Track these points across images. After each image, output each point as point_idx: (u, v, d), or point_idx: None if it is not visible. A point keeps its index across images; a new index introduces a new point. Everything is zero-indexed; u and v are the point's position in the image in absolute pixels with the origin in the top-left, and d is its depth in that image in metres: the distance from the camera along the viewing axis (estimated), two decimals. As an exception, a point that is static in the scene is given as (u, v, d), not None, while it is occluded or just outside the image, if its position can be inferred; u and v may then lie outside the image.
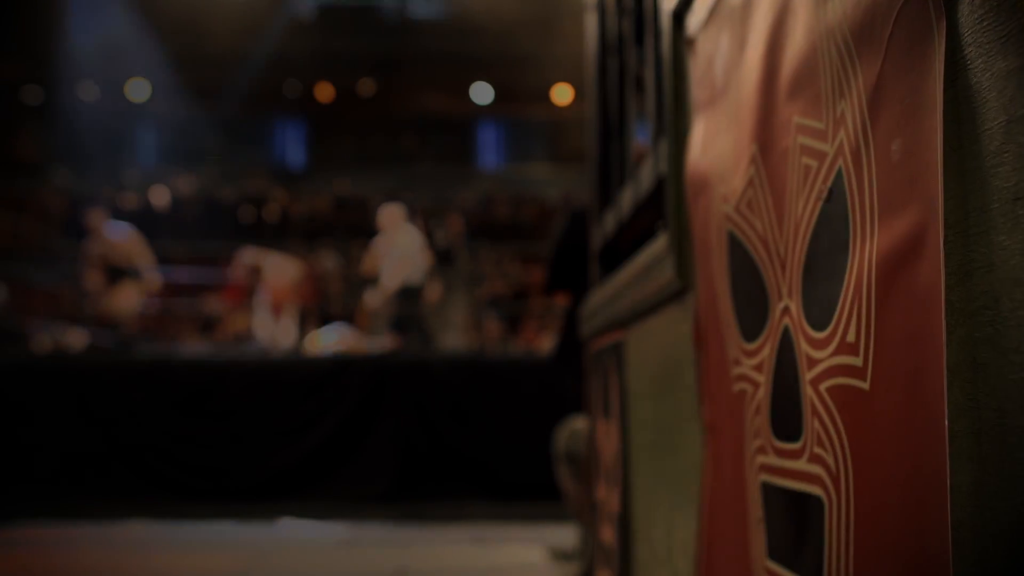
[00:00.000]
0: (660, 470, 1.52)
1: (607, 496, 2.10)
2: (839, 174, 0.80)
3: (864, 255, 0.74)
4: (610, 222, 2.16)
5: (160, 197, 17.09)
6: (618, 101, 2.09)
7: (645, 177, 1.69)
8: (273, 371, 6.23)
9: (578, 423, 3.32)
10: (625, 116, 2.05)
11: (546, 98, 19.16)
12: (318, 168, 19.22)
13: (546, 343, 9.15)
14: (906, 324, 0.68)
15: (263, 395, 6.03)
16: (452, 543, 4.81)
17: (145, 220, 16.08)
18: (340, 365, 6.15)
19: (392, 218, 8.50)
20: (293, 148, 20.46)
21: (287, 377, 6.11)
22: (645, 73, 1.70)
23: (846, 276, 0.78)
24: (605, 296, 2.08)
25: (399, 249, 8.32)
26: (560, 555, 4.31)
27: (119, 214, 15.96)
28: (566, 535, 4.41)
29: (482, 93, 19.49)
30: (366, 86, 19.43)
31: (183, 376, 6.14)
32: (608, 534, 2.09)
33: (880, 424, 0.72)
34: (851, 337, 0.77)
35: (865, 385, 0.74)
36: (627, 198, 1.90)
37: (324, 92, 19.57)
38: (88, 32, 15.71)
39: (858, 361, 0.75)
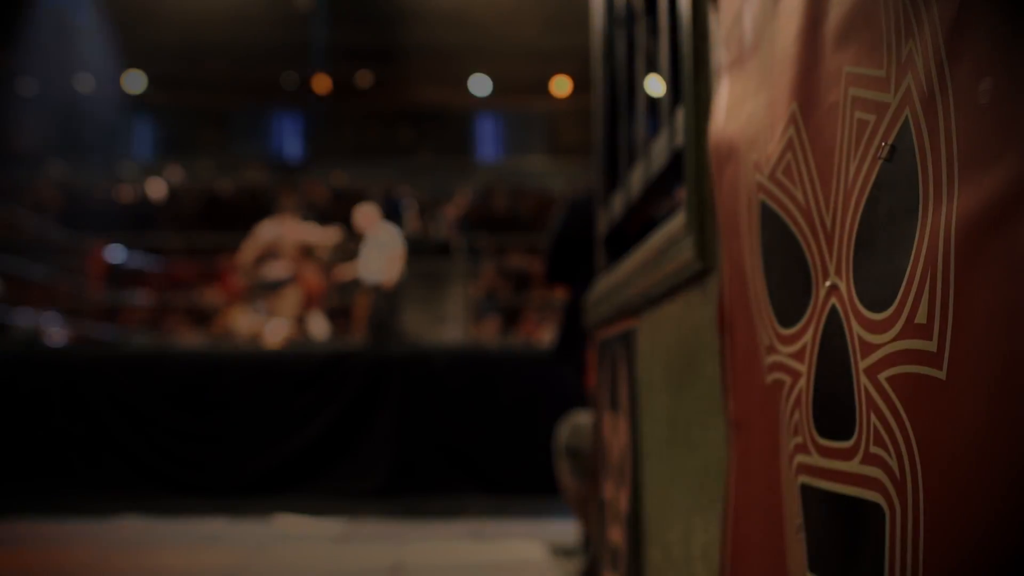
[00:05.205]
0: (676, 468, 1.41)
1: (615, 495, 1.99)
2: (905, 127, 0.68)
3: (939, 220, 0.63)
4: (618, 205, 2.05)
5: (156, 189, 16.98)
6: (627, 76, 1.98)
7: (658, 153, 1.58)
8: (268, 365, 6.12)
9: (581, 417, 3.21)
10: (634, 92, 1.93)
11: (545, 90, 19.05)
12: (315, 160, 19.11)
13: (546, 335, 9.06)
14: (999, 300, 0.56)
15: (259, 389, 5.93)
16: (450, 538, 4.71)
17: (141, 212, 15.99)
18: (336, 358, 6.04)
19: (368, 218, 8.37)
20: (290, 140, 20.35)
21: (283, 371, 6.01)
22: (659, 38, 1.59)
23: (914, 246, 0.66)
24: (613, 282, 1.96)
25: (382, 246, 8.18)
26: (560, 551, 4.21)
27: (116, 206, 15.86)
28: (566, 531, 4.31)
29: (480, 85, 19.38)
30: (364, 78, 19.31)
31: (178, 370, 6.04)
32: (616, 534, 1.98)
33: (961, 420, 0.60)
34: (921, 318, 0.65)
35: (940, 374, 0.63)
36: (637, 177, 1.78)
37: (322, 84, 19.45)
38: (84, 23, 15.58)
39: (931, 345, 0.64)
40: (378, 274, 8.01)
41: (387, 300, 7.96)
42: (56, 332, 8.58)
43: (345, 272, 8.94)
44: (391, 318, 7.96)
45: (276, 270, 8.04)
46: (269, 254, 8.05)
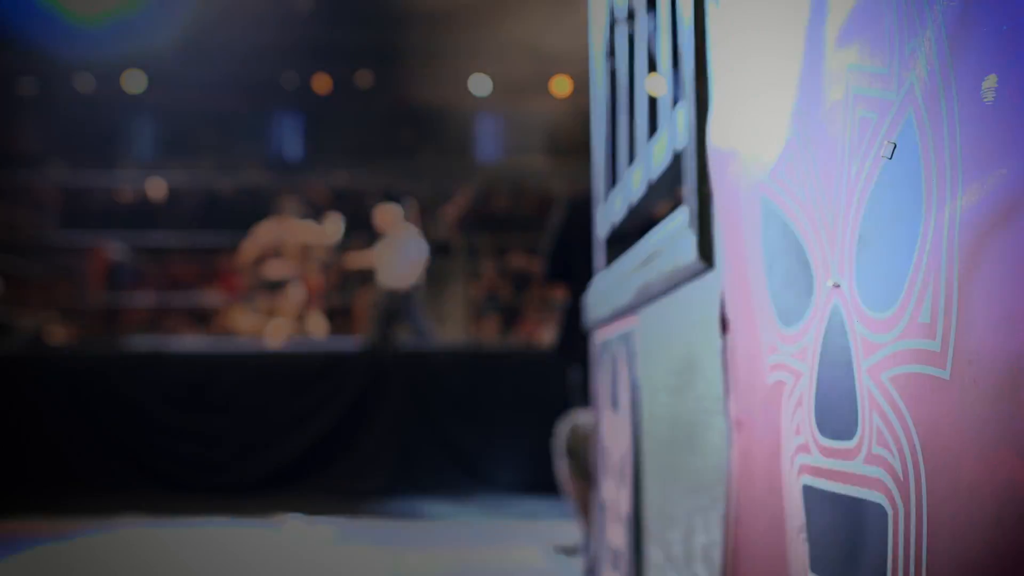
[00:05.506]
0: (677, 469, 1.40)
1: (615, 495, 1.98)
2: (908, 125, 0.68)
3: (943, 219, 0.62)
4: (618, 205, 2.04)
5: (157, 189, 16.98)
6: (627, 76, 1.98)
7: (658, 152, 1.57)
8: (269, 365, 6.12)
9: (581, 417, 3.21)
10: (634, 92, 1.93)
11: (545, 90, 19.02)
12: (315, 160, 19.09)
13: (546, 335, 9.05)
14: (1005, 299, 0.56)
15: (259, 389, 5.93)
16: (450, 538, 4.70)
17: (142, 212, 15.98)
18: (337, 358, 6.04)
19: (389, 218, 8.31)
20: (290, 140, 20.32)
21: (283, 371, 6.00)
22: (660, 37, 1.58)
23: (917, 245, 0.66)
24: (613, 281, 1.96)
25: (404, 249, 8.14)
26: (561, 552, 4.21)
27: (114, 207, 15.86)
28: (567, 531, 4.31)
29: (480, 85, 19.36)
30: (364, 78, 19.30)
31: (178, 370, 6.04)
32: (616, 535, 1.97)
33: (964, 419, 0.60)
34: (924, 317, 0.65)
35: (944, 373, 0.62)
36: (637, 177, 1.78)
37: (321, 84, 19.44)
38: (84, 23, 15.57)
39: (935, 345, 0.63)
40: (396, 276, 8.00)
41: (401, 301, 7.94)
42: (56, 332, 8.57)
43: (356, 260, 8.93)
44: (407, 319, 7.95)
45: (277, 270, 8.03)
46: (271, 254, 8.04)
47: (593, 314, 2.36)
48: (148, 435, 5.86)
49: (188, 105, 18.67)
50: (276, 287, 8.02)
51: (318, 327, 8.44)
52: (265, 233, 8.13)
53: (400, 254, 8.05)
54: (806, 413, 0.86)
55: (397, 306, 7.89)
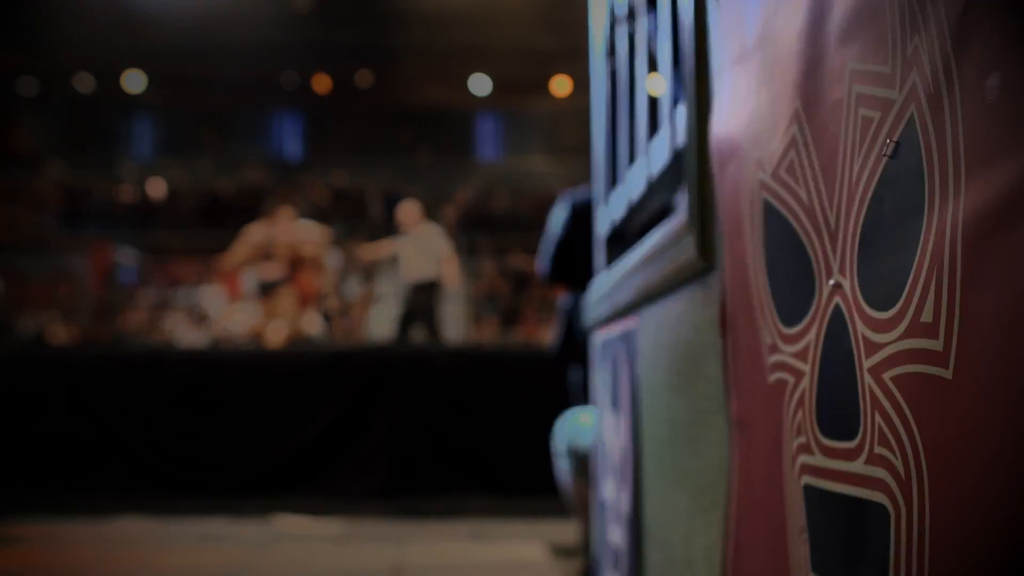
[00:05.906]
0: (678, 469, 1.40)
1: (615, 495, 1.98)
2: (910, 124, 0.67)
3: (945, 218, 0.62)
4: (618, 205, 2.04)
5: (156, 189, 17.00)
6: (627, 75, 1.97)
7: (659, 152, 1.57)
8: (268, 364, 6.11)
9: (582, 417, 3.21)
10: (634, 91, 1.92)
11: (545, 90, 19.04)
12: (315, 160, 19.10)
13: (546, 335, 9.05)
14: (1006, 298, 0.55)
15: (258, 388, 5.92)
16: (450, 539, 4.70)
17: (141, 212, 15.99)
18: (336, 358, 6.03)
19: (410, 215, 8.37)
20: (290, 140, 20.33)
21: (282, 370, 5.99)
22: (660, 36, 1.58)
23: (919, 244, 0.65)
24: (613, 281, 1.95)
25: (427, 245, 8.19)
26: (561, 551, 4.21)
27: (114, 207, 15.87)
28: (566, 531, 4.31)
29: (480, 85, 19.36)
30: (364, 78, 19.30)
31: (177, 369, 6.03)
32: (616, 535, 1.97)
33: (967, 419, 0.60)
34: (927, 316, 0.64)
35: (947, 373, 0.62)
36: (638, 176, 1.78)
37: (321, 83, 19.44)
38: (84, 23, 15.57)
39: (937, 344, 0.63)
40: (422, 272, 8.04)
41: (425, 298, 7.98)
42: (56, 332, 8.57)
43: (371, 252, 8.93)
44: (426, 316, 7.98)
45: (270, 271, 8.03)
46: (262, 256, 8.04)
47: (593, 314, 2.35)
48: (148, 435, 5.85)
49: (188, 105, 18.69)
50: (268, 289, 8.02)
51: (315, 328, 8.45)
52: (255, 234, 8.13)
53: (423, 250, 8.11)
54: (807, 413, 0.86)
55: (420, 302, 7.93)
